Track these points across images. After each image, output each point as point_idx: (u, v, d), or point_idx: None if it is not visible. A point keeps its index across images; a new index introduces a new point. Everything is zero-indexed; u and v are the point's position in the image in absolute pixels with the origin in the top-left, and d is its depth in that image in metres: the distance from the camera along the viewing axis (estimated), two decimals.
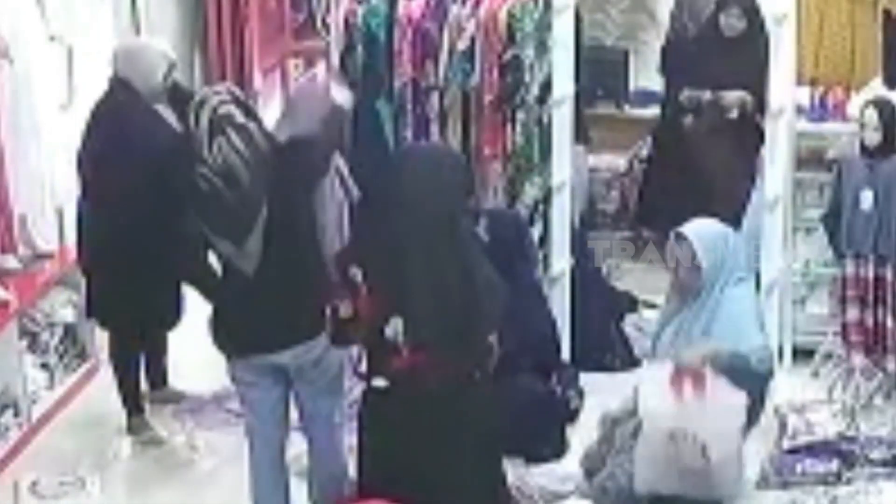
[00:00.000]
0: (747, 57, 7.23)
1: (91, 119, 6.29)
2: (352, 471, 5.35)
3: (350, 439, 5.38)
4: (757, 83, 6.99)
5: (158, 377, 6.89)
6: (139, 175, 6.03)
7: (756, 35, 7.18)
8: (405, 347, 4.73)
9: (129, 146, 6.10)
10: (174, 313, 6.54)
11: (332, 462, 5.48)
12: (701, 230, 5.54)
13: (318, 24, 7.76)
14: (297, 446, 5.68)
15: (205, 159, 5.04)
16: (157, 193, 6.04)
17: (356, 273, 4.80)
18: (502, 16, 6.41)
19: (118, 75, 6.28)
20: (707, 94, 7.49)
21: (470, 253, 4.86)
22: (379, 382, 4.82)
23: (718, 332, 5.43)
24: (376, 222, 4.96)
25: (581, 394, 6.52)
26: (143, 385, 6.78)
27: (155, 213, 6.06)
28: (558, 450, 6.21)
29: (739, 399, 5.09)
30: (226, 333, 5.28)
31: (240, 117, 5.08)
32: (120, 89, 6.25)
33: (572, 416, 6.41)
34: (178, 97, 6.31)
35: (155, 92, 6.23)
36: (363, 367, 4.89)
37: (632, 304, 7.56)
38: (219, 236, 5.13)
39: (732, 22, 7.47)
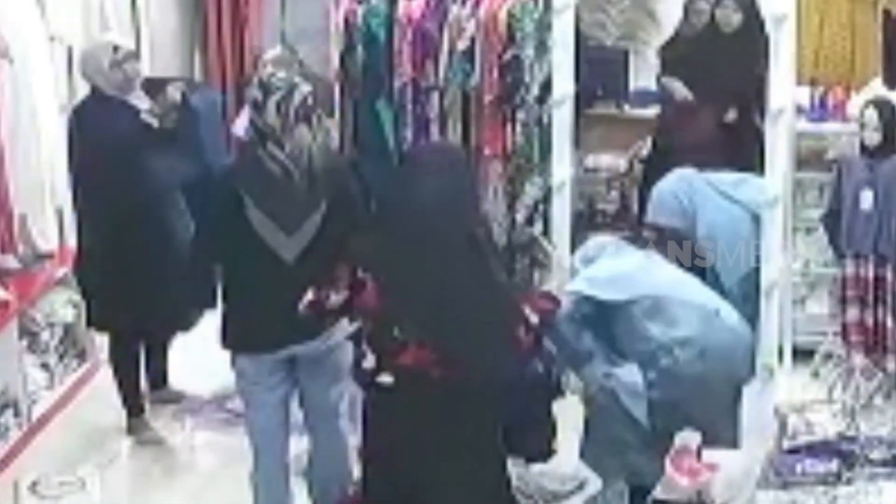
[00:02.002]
0: (745, 52, 7.21)
1: (69, 121, 6.33)
2: (356, 471, 5.36)
3: (353, 440, 5.39)
4: (755, 79, 6.98)
5: (158, 377, 6.90)
6: (110, 167, 6.12)
7: (753, 29, 7.16)
8: (412, 345, 4.74)
9: (95, 140, 6.17)
10: (176, 313, 6.55)
11: (334, 457, 5.50)
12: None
13: None
14: (297, 447, 5.68)
15: (280, 141, 5.09)
16: (131, 183, 6.09)
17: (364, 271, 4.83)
18: (502, 16, 6.41)
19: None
20: (681, 88, 7.51)
21: (481, 254, 4.87)
22: (385, 379, 4.82)
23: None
24: (386, 221, 4.97)
25: (562, 369, 6.47)
26: (144, 385, 6.78)
27: (133, 204, 6.11)
28: (546, 431, 6.15)
29: (747, 460, 5.16)
30: (252, 327, 5.25)
31: (320, 114, 5.29)
32: (91, 90, 6.31)
33: (558, 391, 6.36)
34: (151, 87, 6.37)
35: (110, 82, 6.24)
36: (366, 364, 4.89)
37: None
38: (272, 219, 5.11)
39: (728, 14, 7.46)
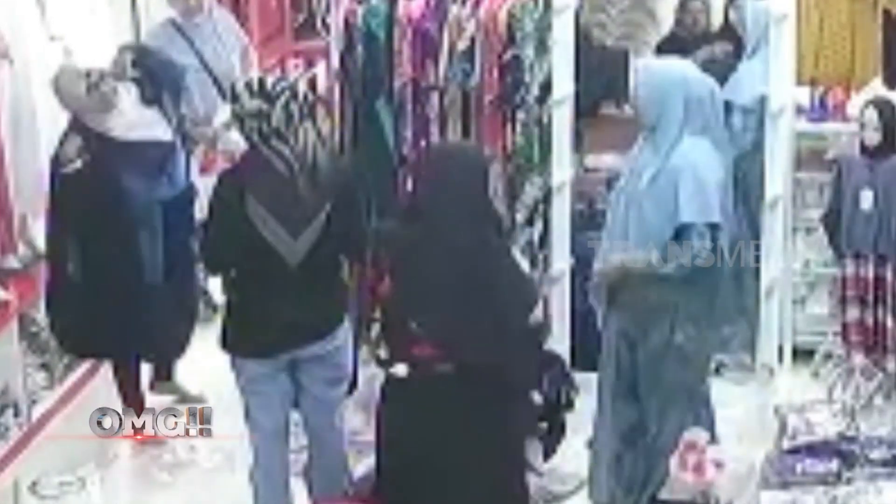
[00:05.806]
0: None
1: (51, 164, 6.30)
2: (356, 471, 5.37)
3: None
4: None
5: (164, 369, 6.89)
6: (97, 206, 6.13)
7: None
8: (426, 339, 4.76)
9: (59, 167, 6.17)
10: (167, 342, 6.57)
11: (334, 458, 5.51)
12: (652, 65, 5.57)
13: (318, 24, 7.76)
14: (297, 447, 5.68)
15: (286, 138, 5.08)
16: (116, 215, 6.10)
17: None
18: (502, 16, 6.41)
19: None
20: None
21: (496, 251, 4.89)
22: (399, 370, 4.84)
23: (663, 183, 5.31)
24: (403, 219, 4.99)
25: (573, 385, 6.51)
26: (146, 379, 6.79)
27: (118, 236, 6.13)
28: (554, 443, 6.18)
29: (750, 467, 5.17)
30: (255, 332, 5.23)
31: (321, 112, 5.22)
32: (73, 119, 6.28)
33: (568, 406, 6.39)
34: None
35: (90, 106, 6.19)
36: (383, 354, 4.91)
37: None
38: (278, 220, 5.07)
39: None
